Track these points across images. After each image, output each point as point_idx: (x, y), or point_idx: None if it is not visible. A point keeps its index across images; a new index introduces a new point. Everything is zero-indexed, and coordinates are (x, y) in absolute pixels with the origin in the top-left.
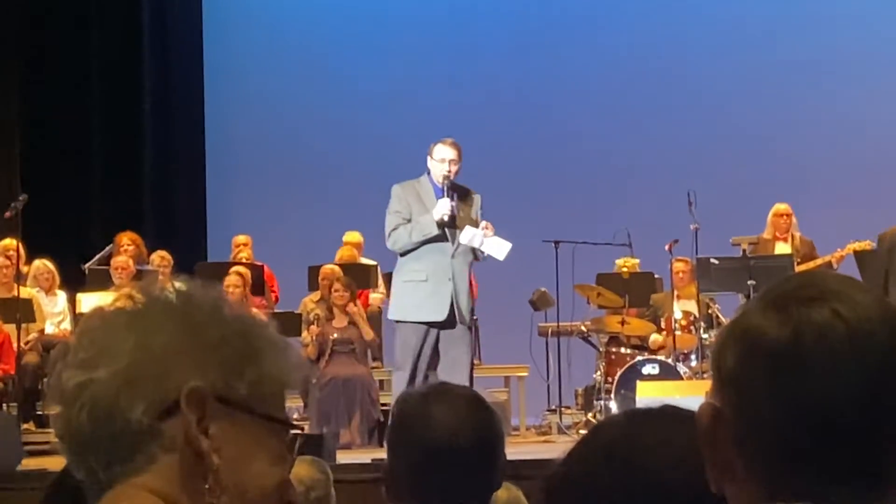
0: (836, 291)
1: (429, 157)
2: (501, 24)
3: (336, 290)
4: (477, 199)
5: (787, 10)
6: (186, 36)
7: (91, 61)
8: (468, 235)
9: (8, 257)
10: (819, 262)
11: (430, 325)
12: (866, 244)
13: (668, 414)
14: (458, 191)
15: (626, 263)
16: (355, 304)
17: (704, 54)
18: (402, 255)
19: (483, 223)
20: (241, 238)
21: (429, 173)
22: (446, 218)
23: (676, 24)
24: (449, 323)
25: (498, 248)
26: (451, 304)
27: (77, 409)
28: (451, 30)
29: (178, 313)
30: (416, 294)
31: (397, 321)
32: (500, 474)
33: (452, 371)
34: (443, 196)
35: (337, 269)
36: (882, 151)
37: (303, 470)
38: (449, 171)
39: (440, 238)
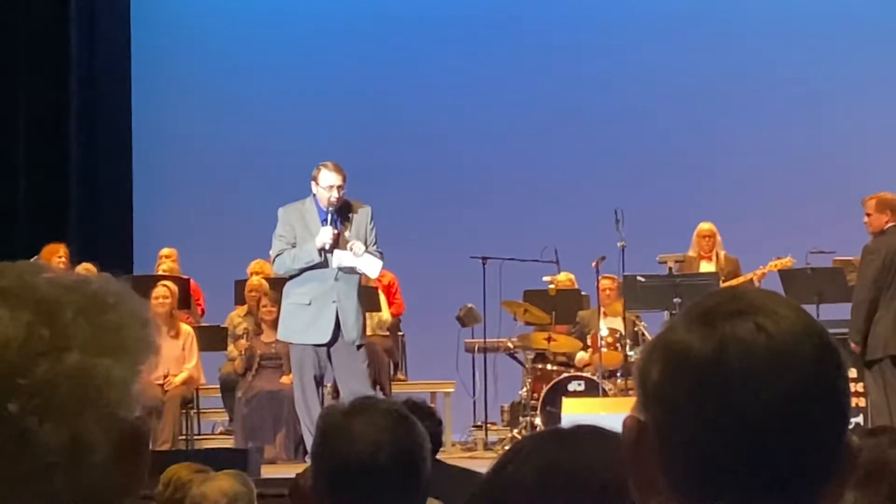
0: (760, 306)
1: (313, 183)
2: (425, 27)
3: (264, 305)
4: (365, 211)
5: (707, 27)
6: (114, 44)
7: (17, 67)
8: (338, 258)
9: None
10: (742, 279)
11: (316, 346)
12: (788, 261)
13: (586, 432)
14: (343, 209)
15: (560, 278)
16: None
17: (632, 72)
18: (288, 278)
19: (350, 243)
20: (166, 250)
21: (314, 196)
22: (328, 246)
23: (602, 40)
24: (333, 343)
25: (370, 265)
26: (336, 326)
27: None
28: (384, 33)
29: None
30: (301, 317)
31: (287, 342)
32: (425, 490)
33: (349, 385)
34: (326, 223)
35: (265, 283)
36: (805, 170)
37: (226, 483)
38: (335, 198)
39: (322, 264)
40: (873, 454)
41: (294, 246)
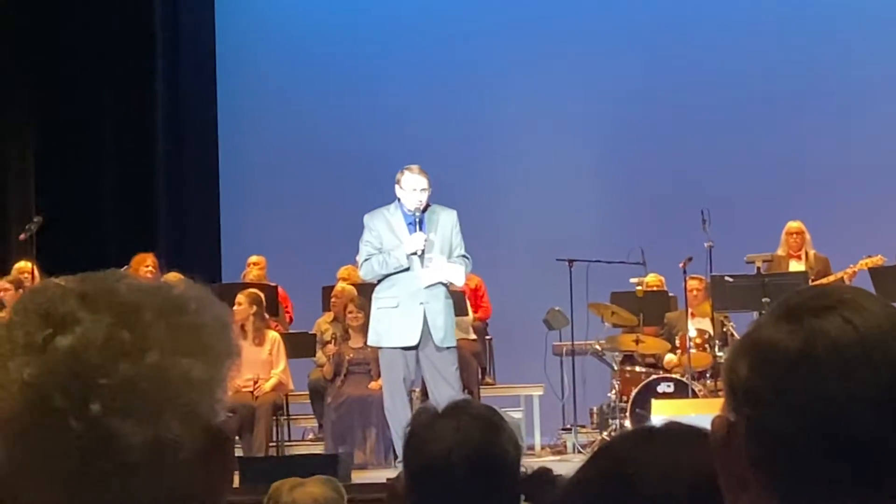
0: (847, 300)
1: (397, 187)
2: (520, 34)
3: (350, 311)
4: (450, 216)
5: (799, 27)
6: (200, 56)
7: (104, 82)
8: (424, 278)
9: (23, 280)
10: (832, 278)
11: (405, 349)
12: (878, 259)
13: (672, 431)
14: (428, 213)
15: (648, 280)
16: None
17: (719, 71)
18: (377, 283)
19: (427, 257)
20: (254, 258)
21: (398, 201)
22: (419, 253)
23: (688, 42)
24: (423, 346)
25: (455, 274)
26: (424, 328)
27: None
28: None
29: None
30: (389, 320)
31: (377, 347)
32: (513, 497)
33: (439, 389)
34: (415, 229)
35: (350, 288)
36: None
37: (317, 489)
38: (420, 202)
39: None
40: None
41: (380, 251)
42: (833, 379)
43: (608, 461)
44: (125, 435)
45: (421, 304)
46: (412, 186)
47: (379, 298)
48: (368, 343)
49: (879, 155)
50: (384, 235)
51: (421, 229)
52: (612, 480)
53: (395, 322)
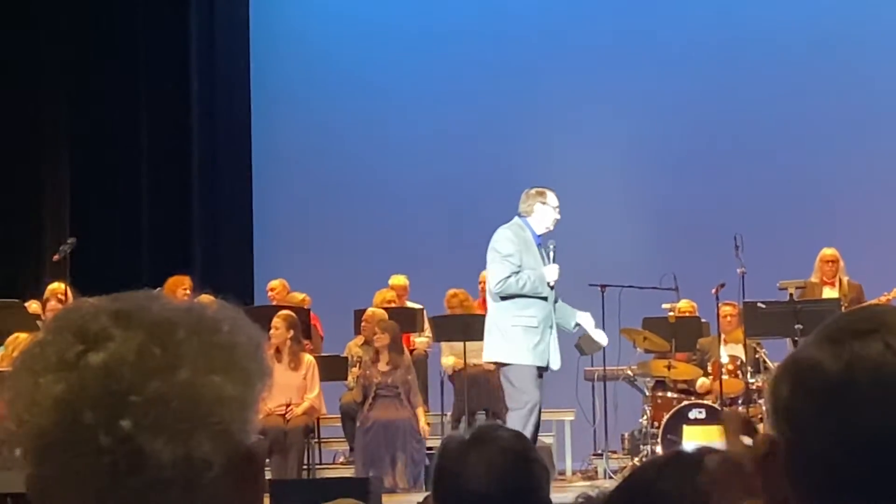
0: (890, 324)
1: (538, 203)
2: (553, 53)
3: (374, 334)
4: (553, 246)
5: (830, 52)
6: (235, 79)
7: (138, 103)
8: (584, 322)
9: (58, 300)
10: (865, 305)
11: (539, 368)
12: None
13: (701, 456)
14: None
15: (681, 305)
16: (401, 348)
17: (750, 97)
18: (505, 298)
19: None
20: (273, 283)
21: (521, 216)
22: (554, 282)
23: (723, 66)
24: (547, 368)
25: (601, 335)
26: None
27: None
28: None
29: None
30: (529, 339)
31: (507, 364)
32: None
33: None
34: (540, 248)
35: (380, 311)
36: None
37: None
38: (557, 219)
39: None
40: None
41: (521, 269)
42: (873, 404)
43: (638, 485)
44: (155, 452)
45: (550, 328)
46: (555, 203)
47: (516, 316)
48: (496, 359)
49: None
50: (522, 253)
51: (546, 250)
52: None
53: (534, 342)
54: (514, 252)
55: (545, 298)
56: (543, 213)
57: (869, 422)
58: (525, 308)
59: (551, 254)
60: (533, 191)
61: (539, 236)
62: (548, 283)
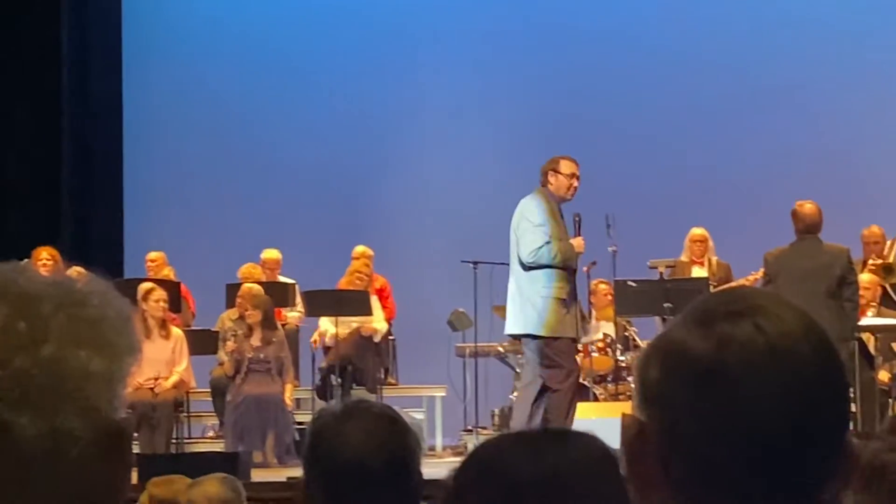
0: (760, 306)
1: (551, 172)
2: (429, 37)
3: (246, 309)
4: (578, 218)
5: (703, 35)
6: (107, 48)
7: (8, 75)
8: None
9: None
10: (734, 285)
11: (573, 340)
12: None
13: (546, 435)
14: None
15: None
16: (274, 323)
17: (623, 76)
18: (534, 268)
19: None
20: (152, 255)
21: (544, 186)
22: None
23: (593, 43)
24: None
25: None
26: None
27: None
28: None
29: None
30: (563, 311)
31: (551, 337)
32: (417, 494)
33: None
34: (577, 233)
35: (256, 287)
36: (798, 175)
37: (213, 488)
38: (575, 186)
39: None
40: (873, 458)
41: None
42: (743, 387)
43: (483, 463)
44: (20, 427)
45: (576, 300)
46: (570, 171)
47: (548, 287)
48: (532, 331)
49: (782, 162)
50: (550, 223)
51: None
52: (486, 481)
53: (567, 314)
54: (544, 221)
55: (574, 270)
56: (558, 182)
57: (739, 404)
58: (557, 280)
59: (577, 226)
60: (548, 160)
61: (560, 205)
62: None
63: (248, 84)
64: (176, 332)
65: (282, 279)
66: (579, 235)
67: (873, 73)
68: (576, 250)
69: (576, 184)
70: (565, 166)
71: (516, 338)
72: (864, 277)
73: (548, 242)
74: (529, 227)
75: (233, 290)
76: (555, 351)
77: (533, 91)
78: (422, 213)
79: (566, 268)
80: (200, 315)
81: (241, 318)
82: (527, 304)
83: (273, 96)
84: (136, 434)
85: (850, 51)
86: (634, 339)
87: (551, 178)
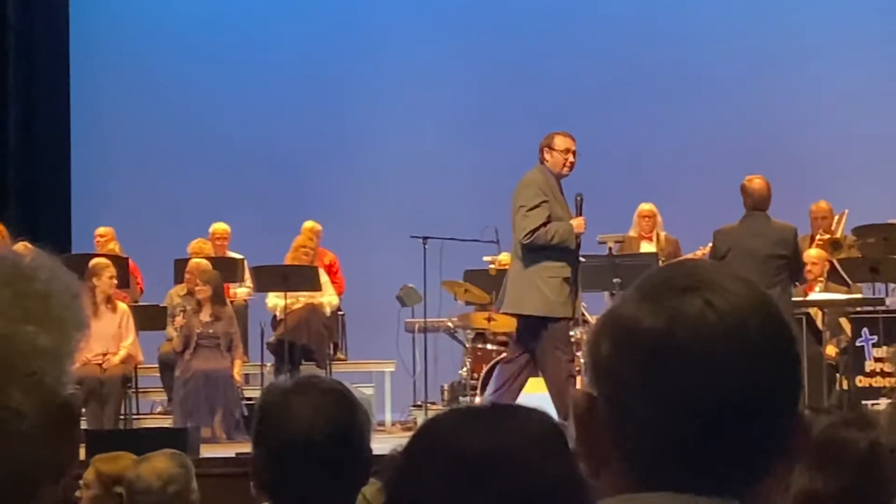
0: (709, 281)
1: (546, 149)
2: (380, 12)
3: (196, 285)
4: (580, 198)
5: (649, 12)
6: (54, 23)
7: None
8: None
9: None
10: (683, 259)
11: (569, 320)
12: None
13: (495, 409)
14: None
15: (501, 258)
16: (223, 299)
17: (575, 51)
18: (527, 248)
19: None
20: (101, 230)
21: (542, 163)
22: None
23: (548, 20)
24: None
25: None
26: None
27: None
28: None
29: None
30: (564, 291)
31: (544, 317)
32: (366, 468)
33: None
34: (578, 213)
35: (204, 262)
36: (748, 150)
37: (161, 464)
38: (571, 161)
39: None
40: (827, 433)
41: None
42: (693, 361)
43: (432, 442)
44: None
45: (578, 280)
46: (565, 146)
47: (548, 267)
48: (535, 312)
49: (731, 137)
50: (551, 200)
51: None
52: (436, 455)
53: (567, 293)
54: (542, 201)
55: (573, 250)
56: (553, 159)
57: (688, 379)
58: (557, 259)
59: (578, 206)
60: (545, 136)
61: (559, 182)
62: (575, 236)
63: (196, 60)
64: (122, 306)
65: (231, 254)
66: (581, 216)
67: (819, 48)
68: (574, 231)
69: (572, 159)
70: (560, 142)
71: (514, 316)
72: (812, 253)
73: (544, 224)
74: (526, 207)
75: (181, 265)
76: (553, 334)
77: (479, 66)
78: (371, 188)
79: (565, 249)
80: (149, 291)
81: (190, 293)
82: (528, 285)
83: (221, 72)
84: (83, 410)
85: (796, 27)
86: (584, 314)
87: (547, 155)
